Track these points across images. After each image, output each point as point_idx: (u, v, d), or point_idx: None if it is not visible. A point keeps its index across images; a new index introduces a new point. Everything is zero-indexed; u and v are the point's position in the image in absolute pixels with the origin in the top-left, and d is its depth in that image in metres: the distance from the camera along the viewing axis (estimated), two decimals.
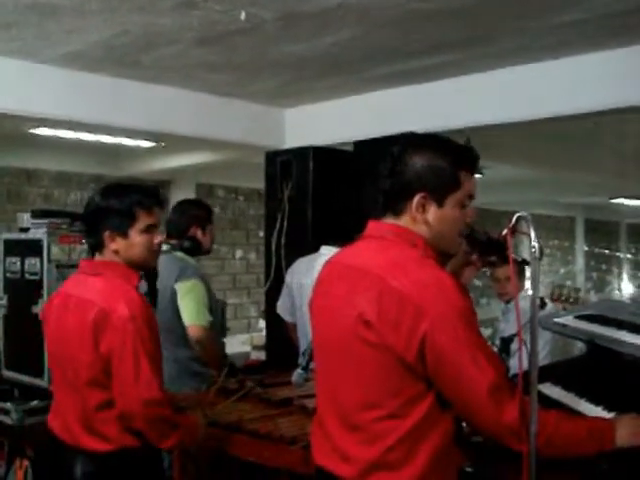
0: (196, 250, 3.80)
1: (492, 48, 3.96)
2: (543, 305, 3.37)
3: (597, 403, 2.14)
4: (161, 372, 2.37)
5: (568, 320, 2.59)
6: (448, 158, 1.85)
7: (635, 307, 2.62)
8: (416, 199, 1.83)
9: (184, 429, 2.39)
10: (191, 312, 3.61)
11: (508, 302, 4.40)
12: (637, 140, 6.65)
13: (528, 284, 4.15)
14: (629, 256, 15.44)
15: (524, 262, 1.74)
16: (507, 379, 1.74)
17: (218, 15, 3.48)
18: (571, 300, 3.34)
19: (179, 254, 3.72)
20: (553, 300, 3.41)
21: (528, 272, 4.20)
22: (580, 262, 14.21)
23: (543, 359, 3.96)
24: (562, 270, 13.41)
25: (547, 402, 2.34)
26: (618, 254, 14.85)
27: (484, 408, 1.70)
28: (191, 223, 3.84)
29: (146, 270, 2.62)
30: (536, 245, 1.68)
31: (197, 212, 3.92)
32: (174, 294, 3.62)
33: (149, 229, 2.44)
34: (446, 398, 1.75)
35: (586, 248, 14.33)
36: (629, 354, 2.16)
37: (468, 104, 4.39)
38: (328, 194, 4.61)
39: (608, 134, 6.33)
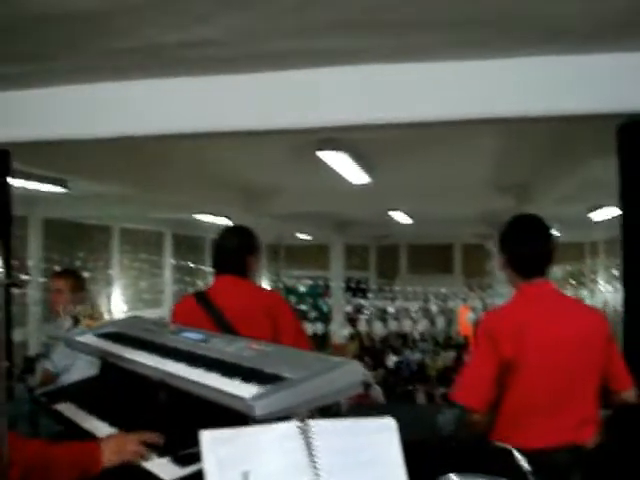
0: None
1: (55, 65, 3.89)
2: (77, 322, 3.42)
3: (104, 419, 2.24)
4: None
5: (89, 338, 2.66)
6: None
7: (149, 323, 2.78)
8: None
9: None
10: None
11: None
12: (209, 165, 7.16)
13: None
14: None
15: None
16: None
17: None
18: (96, 316, 3.42)
19: None
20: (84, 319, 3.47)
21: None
22: (167, 275, 14.70)
23: None
24: (143, 284, 13.73)
25: (62, 421, 2.40)
26: (202, 267, 15.66)
27: None
28: None
29: None
30: None
31: None
32: None
33: None
34: None
35: (173, 261, 14.88)
36: (131, 370, 2.30)
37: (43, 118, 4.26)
38: None
39: (186, 158, 6.75)
